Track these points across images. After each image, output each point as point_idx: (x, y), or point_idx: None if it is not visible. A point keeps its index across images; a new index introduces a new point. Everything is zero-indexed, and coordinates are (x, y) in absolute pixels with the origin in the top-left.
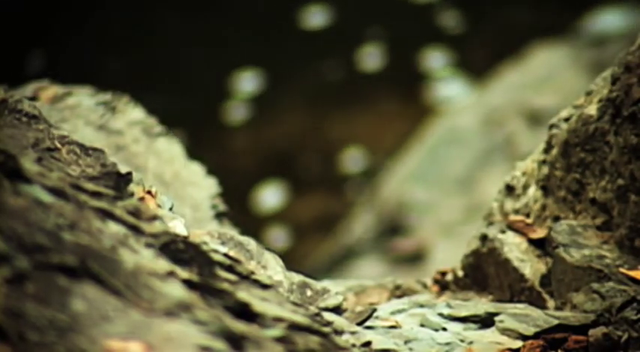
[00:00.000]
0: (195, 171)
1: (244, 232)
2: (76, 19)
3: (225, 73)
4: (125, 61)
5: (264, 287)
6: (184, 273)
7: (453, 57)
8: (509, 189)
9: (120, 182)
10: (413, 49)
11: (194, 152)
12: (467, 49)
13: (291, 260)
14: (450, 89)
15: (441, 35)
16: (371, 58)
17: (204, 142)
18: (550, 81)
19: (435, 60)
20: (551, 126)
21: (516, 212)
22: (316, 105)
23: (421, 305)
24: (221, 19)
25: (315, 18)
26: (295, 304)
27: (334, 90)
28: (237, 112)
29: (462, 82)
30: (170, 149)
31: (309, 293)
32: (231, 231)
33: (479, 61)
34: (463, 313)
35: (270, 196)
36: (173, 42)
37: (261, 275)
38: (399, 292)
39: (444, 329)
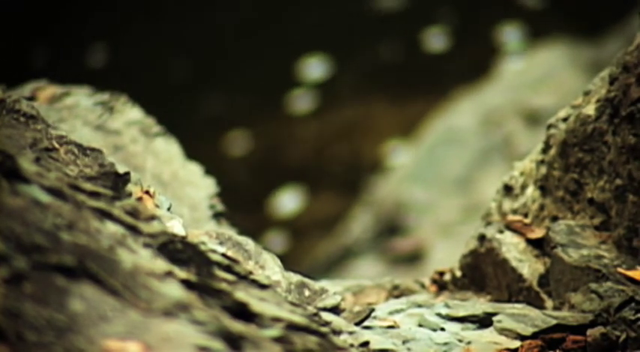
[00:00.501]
0: (194, 171)
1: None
2: (140, 18)
3: (291, 61)
4: (188, 58)
5: (262, 287)
6: (182, 273)
7: (526, 32)
8: (508, 189)
9: (118, 182)
10: (484, 28)
11: (256, 147)
12: (543, 25)
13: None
14: (518, 64)
15: (517, 10)
16: (436, 39)
17: (270, 136)
18: (548, 81)
19: (509, 35)
20: (550, 126)
21: (514, 212)
22: (379, 90)
23: (419, 305)
24: (283, 4)
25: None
26: (293, 304)
27: (402, 74)
28: (302, 101)
29: (523, 58)
30: (168, 149)
31: (307, 293)
32: (230, 231)
33: (553, 37)
34: (461, 313)
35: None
36: (233, 33)
37: (259, 276)
38: (397, 292)
39: (442, 329)
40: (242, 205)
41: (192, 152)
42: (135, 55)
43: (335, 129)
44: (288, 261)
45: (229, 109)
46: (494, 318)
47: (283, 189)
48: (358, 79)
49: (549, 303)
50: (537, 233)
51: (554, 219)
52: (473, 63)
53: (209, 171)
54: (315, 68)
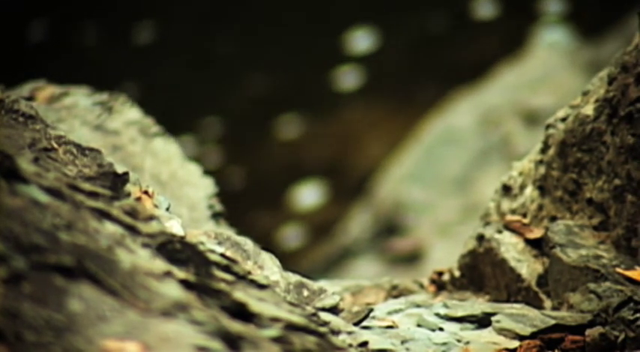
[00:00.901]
0: (192, 171)
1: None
2: None
3: (336, 35)
4: (232, 35)
5: (261, 287)
6: (181, 273)
7: (565, 5)
8: (506, 189)
9: (116, 182)
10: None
11: (311, 129)
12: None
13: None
14: (555, 36)
15: None
16: (483, 7)
17: (315, 116)
18: (547, 81)
19: (551, 5)
20: (548, 126)
21: (513, 212)
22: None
23: (418, 305)
24: None
25: None
26: (292, 304)
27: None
28: (349, 78)
29: (567, 32)
30: (167, 149)
31: (305, 293)
32: (228, 231)
33: (590, 16)
34: (460, 313)
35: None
36: (276, 7)
37: (257, 276)
38: (395, 292)
39: (441, 329)
40: (273, 193)
41: (237, 132)
42: (181, 33)
43: (381, 109)
44: (303, 257)
45: (274, 87)
46: (493, 318)
47: (308, 181)
48: (405, 52)
49: (548, 303)
50: (536, 233)
51: (553, 219)
52: (513, 33)
53: (253, 152)
54: (361, 41)
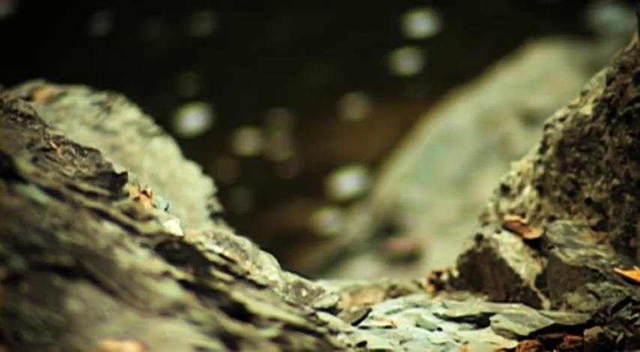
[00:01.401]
0: (191, 171)
1: None
2: None
3: (396, 18)
4: (288, 22)
5: (260, 287)
6: (179, 273)
7: None
8: (505, 189)
9: (115, 182)
10: None
11: (372, 113)
12: None
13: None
14: (609, 15)
15: None
16: None
17: (381, 100)
18: (545, 81)
19: None
20: (547, 126)
21: (512, 212)
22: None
23: (416, 305)
24: None
25: None
26: (290, 304)
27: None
28: (408, 61)
29: (619, 10)
30: (165, 149)
31: (304, 293)
32: (227, 231)
33: None
34: (458, 313)
35: None
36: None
37: (256, 276)
38: (394, 292)
39: (439, 329)
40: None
41: (301, 119)
42: (238, 22)
43: (440, 92)
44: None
45: (335, 73)
46: (492, 318)
47: (348, 169)
48: (464, 34)
49: (546, 303)
50: (534, 233)
51: (552, 219)
52: (567, 13)
53: (317, 139)
54: (420, 24)
